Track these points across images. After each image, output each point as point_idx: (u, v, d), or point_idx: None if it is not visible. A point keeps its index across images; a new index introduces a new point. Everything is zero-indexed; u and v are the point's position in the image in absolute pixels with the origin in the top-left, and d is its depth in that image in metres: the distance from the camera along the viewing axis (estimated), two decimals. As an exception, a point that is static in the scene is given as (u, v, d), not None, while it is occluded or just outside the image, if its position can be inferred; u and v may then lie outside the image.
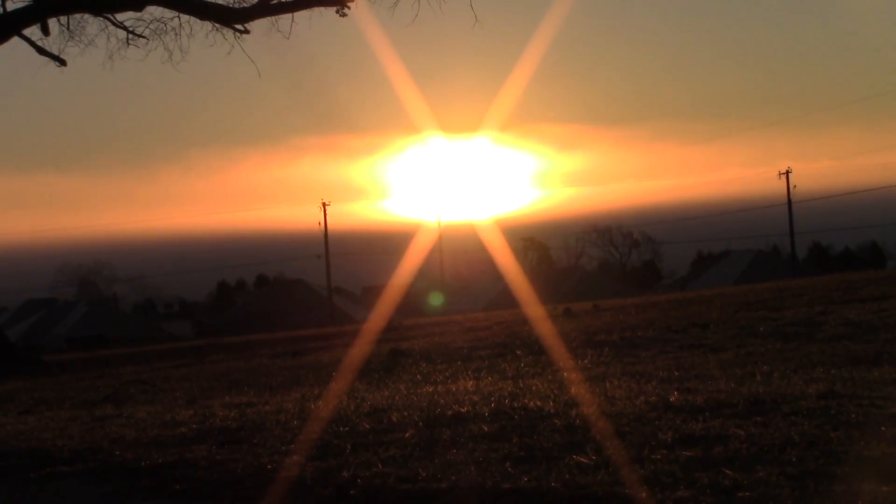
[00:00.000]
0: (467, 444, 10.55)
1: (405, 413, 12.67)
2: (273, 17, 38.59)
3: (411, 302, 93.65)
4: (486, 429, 11.17)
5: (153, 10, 39.08)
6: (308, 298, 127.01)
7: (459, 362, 19.96)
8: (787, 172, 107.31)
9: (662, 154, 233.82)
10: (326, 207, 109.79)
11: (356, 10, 37.71)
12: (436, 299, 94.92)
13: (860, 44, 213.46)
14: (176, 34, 39.20)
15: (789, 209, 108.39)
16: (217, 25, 38.90)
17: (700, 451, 9.33)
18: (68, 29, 39.69)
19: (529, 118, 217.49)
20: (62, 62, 40.45)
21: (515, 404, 12.59)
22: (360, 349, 25.65)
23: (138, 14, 39.18)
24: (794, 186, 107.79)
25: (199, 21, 38.98)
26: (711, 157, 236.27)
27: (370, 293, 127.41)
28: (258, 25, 39.03)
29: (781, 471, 8.47)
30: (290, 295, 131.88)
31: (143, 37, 39.58)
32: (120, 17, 39.63)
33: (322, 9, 38.22)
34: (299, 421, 13.03)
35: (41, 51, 40.06)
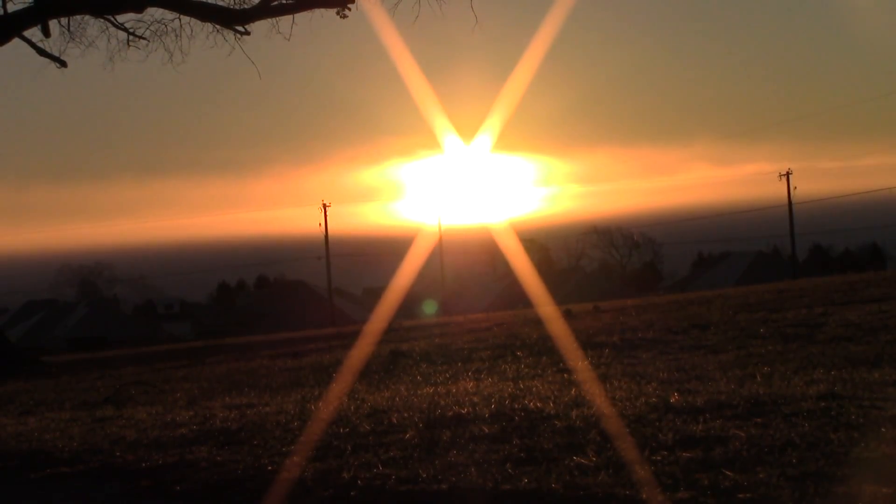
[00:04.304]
0: (468, 445, 10.56)
1: (405, 414, 12.67)
2: (274, 19, 38.65)
3: (411, 304, 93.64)
4: (486, 430, 11.17)
5: (154, 12, 39.13)
6: (308, 300, 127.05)
7: (460, 363, 19.95)
8: (788, 174, 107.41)
9: (663, 156, 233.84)
10: (327, 209, 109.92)
11: (356, 11, 37.77)
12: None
13: (862, 46, 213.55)
14: (176, 35, 39.27)
15: (790, 210, 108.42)
16: (218, 27, 38.93)
17: (700, 452, 9.33)
18: (69, 30, 39.75)
19: (530, 120, 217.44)
20: (63, 63, 40.49)
21: (516, 405, 12.59)
22: (360, 350, 25.64)
23: (139, 15, 39.23)
24: (795, 188, 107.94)
25: (199, 22, 39.02)
26: (712, 158, 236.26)
27: (371, 295, 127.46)
28: (259, 27, 39.12)
29: (782, 472, 8.47)
30: (291, 296, 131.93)
31: (144, 38, 39.64)
32: (120, 18, 39.69)
33: (322, 10, 38.26)
34: (300, 422, 13.03)
35: (42, 52, 40.09)
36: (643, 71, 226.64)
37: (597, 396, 12.92)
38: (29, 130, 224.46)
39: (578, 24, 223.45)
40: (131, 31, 39.69)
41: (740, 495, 8.00)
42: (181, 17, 39.10)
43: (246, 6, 38.60)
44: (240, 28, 38.93)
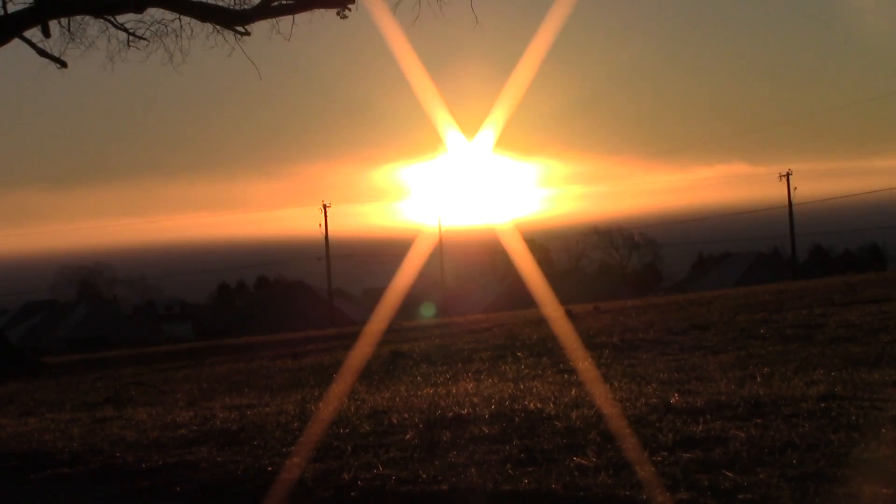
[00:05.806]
0: (468, 445, 10.56)
1: (406, 415, 12.68)
2: (274, 19, 38.67)
3: (412, 305, 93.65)
4: (486, 431, 11.17)
5: (154, 12, 39.18)
6: (308, 300, 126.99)
7: (460, 364, 19.95)
8: (788, 174, 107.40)
9: (663, 156, 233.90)
10: (327, 209, 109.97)
11: (356, 12, 37.79)
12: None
13: (862, 46, 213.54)
14: (177, 36, 39.30)
15: (790, 211, 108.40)
16: (218, 27, 38.96)
17: (700, 452, 9.33)
18: (69, 31, 39.77)
19: (530, 121, 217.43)
20: (63, 64, 40.51)
21: (516, 406, 12.60)
22: (360, 351, 25.63)
23: (139, 16, 39.27)
24: (795, 188, 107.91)
25: (199, 23, 39.04)
26: (711, 159, 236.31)
27: (371, 295, 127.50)
28: (259, 27, 39.15)
29: (782, 473, 8.48)
30: (291, 297, 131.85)
31: (144, 38, 39.67)
32: (121, 18, 39.72)
33: (322, 11, 38.28)
34: (300, 423, 13.04)
35: (42, 52, 40.11)
36: (644, 71, 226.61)
37: (597, 397, 12.92)
38: (29, 131, 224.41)
39: (579, 24, 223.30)
40: (131, 31, 39.74)
41: (740, 496, 8.00)
42: (181, 17, 39.13)
43: (246, 6, 38.65)
44: (240, 28, 38.95)
